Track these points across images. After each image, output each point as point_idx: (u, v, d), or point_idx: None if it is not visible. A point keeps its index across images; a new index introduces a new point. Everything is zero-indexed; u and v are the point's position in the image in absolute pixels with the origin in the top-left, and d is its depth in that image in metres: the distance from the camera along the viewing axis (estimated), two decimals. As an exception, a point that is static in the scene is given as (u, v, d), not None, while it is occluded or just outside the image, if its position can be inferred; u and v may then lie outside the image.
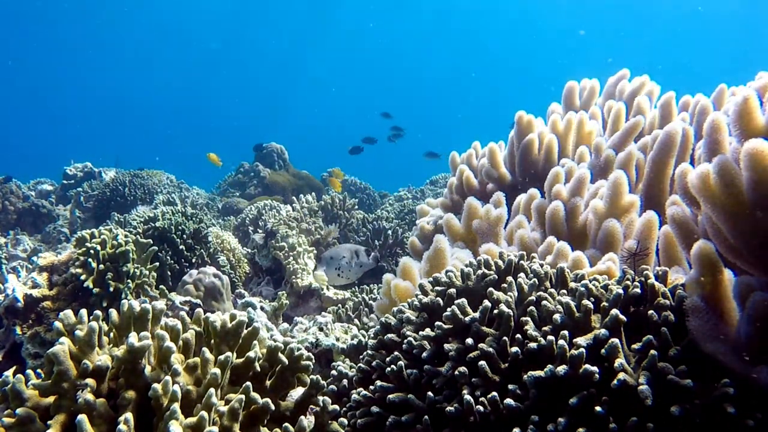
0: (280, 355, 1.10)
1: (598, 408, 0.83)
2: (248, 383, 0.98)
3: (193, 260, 2.68)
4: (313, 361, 1.16)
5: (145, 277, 2.16)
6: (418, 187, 6.25)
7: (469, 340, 0.98)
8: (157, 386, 0.89)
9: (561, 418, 0.85)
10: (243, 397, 0.94)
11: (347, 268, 2.50)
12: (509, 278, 1.08)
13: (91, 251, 2.01)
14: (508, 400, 0.89)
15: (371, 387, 1.07)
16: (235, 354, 1.08)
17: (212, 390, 0.92)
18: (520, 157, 2.04)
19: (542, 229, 1.57)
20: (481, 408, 0.90)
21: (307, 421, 1.04)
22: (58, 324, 1.00)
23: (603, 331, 0.88)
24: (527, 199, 1.72)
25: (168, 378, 0.92)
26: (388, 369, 1.05)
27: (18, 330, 1.88)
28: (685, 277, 0.96)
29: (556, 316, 0.94)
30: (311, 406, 1.10)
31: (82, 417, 0.86)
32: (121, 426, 0.85)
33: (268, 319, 2.24)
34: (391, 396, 1.01)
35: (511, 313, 0.98)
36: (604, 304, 0.94)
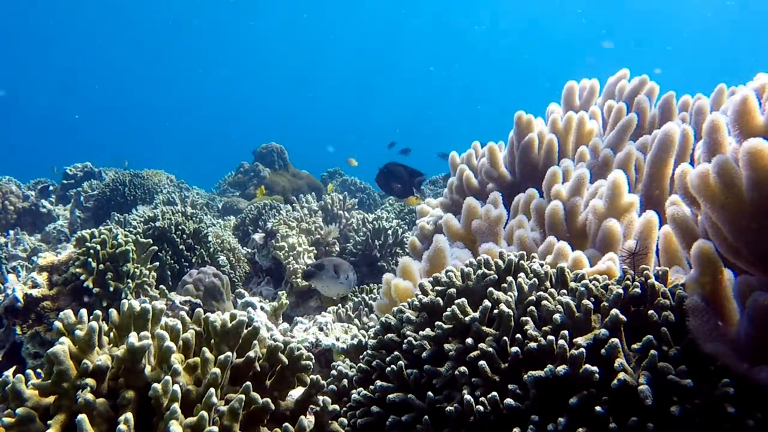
0: (280, 354, 1.10)
1: (598, 408, 0.83)
2: (248, 383, 0.98)
3: (193, 260, 2.68)
4: (313, 360, 1.16)
5: (145, 277, 2.16)
6: (417, 187, 6.23)
7: (469, 340, 0.98)
8: (157, 386, 0.89)
9: (561, 418, 0.85)
10: (243, 396, 0.95)
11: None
12: (509, 278, 1.08)
13: (91, 251, 2.01)
14: (508, 400, 0.89)
15: (371, 387, 1.07)
16: (235, 354, 1.08)
17: (212, 390, 0.92)
18: (519, 157, 2.04)
19: (542, 229, 1.57)
20: (481, 408, 0.90)
21: (307, 420, 1.04)
22: (58, 324, 1.00)
23: (603, 330, 0.88)
24: (526, 199, 1.72)
25: (168, 378, 0.92)
26: (388, 369, 1.05)
27: (18, 330, 1.88)
28: (685, 277, 0.96)
29: (556, 316, 0.94)
30: (311, 405, 1.10)
31: (82, 417, 0.86)
32: (121, 426, 0.85)
33: (268, 318, 2.24)
34: (391, 396, 1.01)
35: (511, 313, 0.98)
36: (604, 303, 0.94)
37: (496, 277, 1.10)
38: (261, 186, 4.78)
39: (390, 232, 3.19)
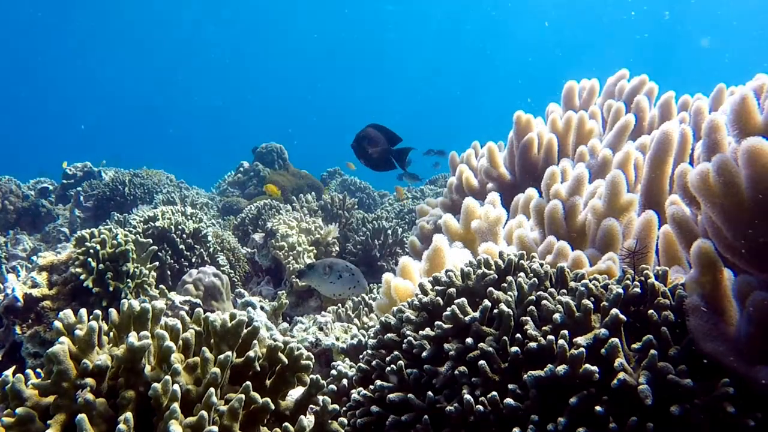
0: (280, 354, 1.10)
1: (598, 408, 0.83)
2: (248, 383, 0.98)
3: (193, 260, 2.68)
4: (313, 360, 1.16)
5: (145, 277, 2.15)
6: (418, 186, 6.24)
7: (469, 340, 0.98)
8: (157, 386, 0.89)
9: (561, 418, 0.85)
10: (243, 396, 0.94)
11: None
12: (509, 278, 1.08)
13: (91, 251, 2.01)
14: (508, 400, 0.89)
15: (371, 386, 1.07)
16: (234, 353, 1.08)
17: (212, 389, 0.92)
18: (519, 157, 2.04)
19: (541, 229, 1.57)
20: (481, 408, 0.90)
21: (307, 420, 1.04)
22: (57, 323, 1.00)
23: (603, 330, 0.88)
24: (525, 199, 1.72)
25: (168, 377, 0.92)
26: (388, 369, 1.05)
27: (17, 329, 1.88)
28: (685, 277, 0.96)
29: (556, 316, 0.94)
30: (311, 405, 1.10)
31: (82, 416, 0.86)
32: (121, 426, 0.85)
33: (267, 318, 2.24)
34: (390, 395, 1.01)
35: (511, 313, 0.98)
36: (604, 303, 0.94)
37: (496, 276, 1.10)
38: (272, 185, 4.73)
39: (390, 231, 3.19)
